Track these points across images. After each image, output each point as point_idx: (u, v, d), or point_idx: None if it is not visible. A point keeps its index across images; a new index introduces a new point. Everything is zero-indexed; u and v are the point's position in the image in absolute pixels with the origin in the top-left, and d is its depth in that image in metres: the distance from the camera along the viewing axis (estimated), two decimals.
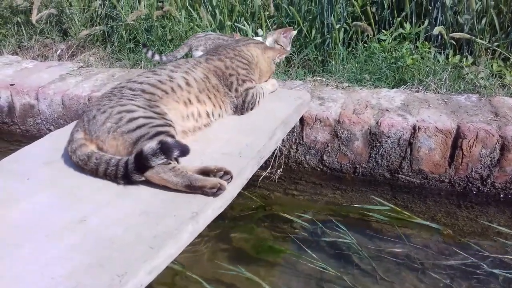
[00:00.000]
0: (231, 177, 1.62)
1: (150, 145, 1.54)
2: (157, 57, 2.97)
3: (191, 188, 1.54)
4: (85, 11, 3.98)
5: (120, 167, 1.58)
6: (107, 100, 1.79)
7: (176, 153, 1.56)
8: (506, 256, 1.98)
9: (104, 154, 1.66)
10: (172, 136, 1.66)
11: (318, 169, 2.52)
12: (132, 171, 1.56)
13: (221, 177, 1.59)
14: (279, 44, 2.84)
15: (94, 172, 1.65)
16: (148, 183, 1.60)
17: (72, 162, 1.74)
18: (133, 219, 1.46)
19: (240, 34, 3.16)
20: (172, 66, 2.05)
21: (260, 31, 3.43)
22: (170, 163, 1.56)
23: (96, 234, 1.40)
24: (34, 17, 3.75)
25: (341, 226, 2.13)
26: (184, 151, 1.59)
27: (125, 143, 1.65)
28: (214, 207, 1.57)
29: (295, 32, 3.04)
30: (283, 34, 2.86)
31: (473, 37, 3.02)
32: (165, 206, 1.52)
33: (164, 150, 1.53)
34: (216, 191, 1.53)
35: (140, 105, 1.75)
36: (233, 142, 1.95)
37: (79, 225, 1.44)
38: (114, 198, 1.57)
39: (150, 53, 2.97)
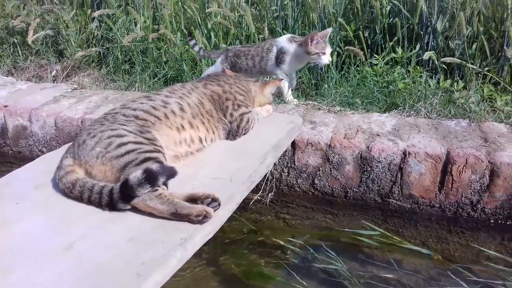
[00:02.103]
0: (219, 204, 1.62)
1: (135, 175, 1.54)
2: (196, 48, 3.15)
3: (177, 216, 1.54)
4: (82, 33, 4.03)
5: (104, 195, 1.58)
6: (98, 125, 1.81)
7: (162, 179, 1.57)
8: (497, 282, 1.97)
9: (87, 181, 1.66)
10: (160, 163, 1.66)
11: (310, 193, 2.53)
12: (118, 200, 1.56)
13: (208, 204, 1.59)
14: (313, 54, 2.74)
15: (79, 199, 1.66)
16: (136, 209, 1.60)
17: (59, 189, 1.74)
18: (122, 245, 1.46)
19: None
20: (167, 92, 2.07)
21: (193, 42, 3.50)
22: (157, 189, 1.57)
23: (85, 260, 1.40)
24: (30, 38, 3.79)
25: (331, 252, 2.12)
26: (171, 174, 1.60)
27: (113, 168, 1.65)
28: (203, 233, 1.57)
29: (328, 31, 2.88)
30: (312, 41, 2.71)
31: (464, 62, 3.07)
32: (154, 232, 1.52)
33: (150, 178, 1.53)
34: (202, 219, 1.53)
35: (131, 130, 1.76)
36: (224, 166, 1.96)
37: (68, 250, 1.44)
38: (103, 223, 1.57)
39: (193, 42, 3.17)
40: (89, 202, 1.63)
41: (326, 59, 2.77)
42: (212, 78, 2.31)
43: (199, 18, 3.73)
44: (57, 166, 1.81)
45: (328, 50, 2.78)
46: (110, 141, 1.69)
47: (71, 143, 1.90)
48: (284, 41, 2.86)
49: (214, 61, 3.13)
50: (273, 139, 2.21)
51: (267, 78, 3.09)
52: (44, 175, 1.87)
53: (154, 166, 1.59)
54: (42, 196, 1.75)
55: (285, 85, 2.91)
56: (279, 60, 2.86)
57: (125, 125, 1.79)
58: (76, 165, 1.72)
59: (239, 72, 2.97)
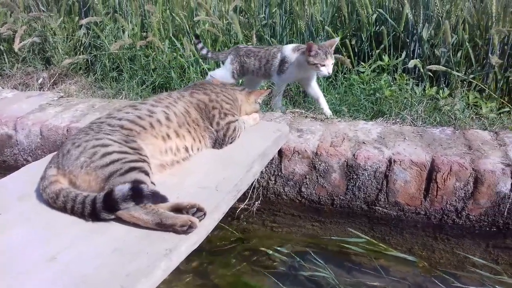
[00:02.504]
0: (204, 214, 1.62)
1: (122, 189, 1.53)
2: (204, 51, 3.15)
3: (162, 226, 1.53)
4: (69, 40, 4.01)
5: (87, 205, 1.58)
6: (83, 134, 1.80)
7: (146, 202, 1.56)
8: None
9: (71, 191, 1.65)
10: (146, 172, 1.66)
11: (297, 201, 2.53)
12: (101, 210, 1.55)
13: (193, 214, 1.59)
14: (312, 64, 2.69)
15: (63, 210, 1.64)
16: (120, 219, 1.59)
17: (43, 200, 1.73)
18: (106, 256, 1.45)
19: None
20: (153, 101, 2.07)
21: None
22: None
23: (69, 272, 1.38)
24: (16, 45, 3.76)
25: (319, 260, 2.13)
26: (157, 201, 1.60)
27: (97, 178, 1.65)
28: (189, 243, 1.56)
29: (336, 40, 2.86)
30: (310, 52, 2.67)
31: (449, 70, 3.11)
32: (139, 243, 1.51)
33: (135, 197, 1.53)
34: (186, 229, 1.52)
35: (116, 140, 1.75)
36: (210, 175, 1.96)
37: (52, 262, 1.42)
38: (87, 234, 1.56)
39: (200, 45, 3.15)
40: (72, 212, 1.62)
41: (325, 70, 2.71)
42: (198, 86, 2.31)
43: (187, 26, 3.73)
44: (41, 177, 1.79)
45: (329, 61, 2.70)
46: (94, 150, 1.69)
47: (55, 153, 1.89)
48: (289, 50, 2.85)
49: (222, 62, 3.11)
50: (259, 147, 2.21)
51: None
52: (29, 185, 1.85)
53: (144, 187, 1.57)
54: (26, 207, 1.73)
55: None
56: (280, 69, 2.86)
57: (110, 134, 1.78)
58: (60, 175, 1.71)
59: (246, 74, 3.02)
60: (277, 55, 2.88)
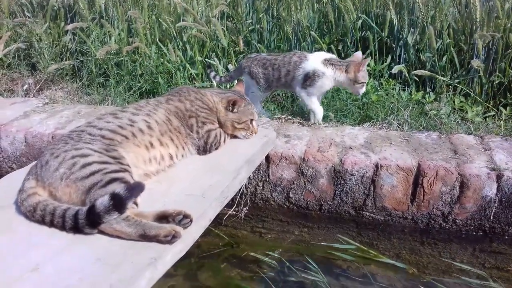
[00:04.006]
0: (191, 221, 1.60)
1: (102, 201, 1.50)
2: (217, 78, 3.05)
3: (145, 238, 1.51)
4: (55, 46, 3.97)
5: (68, 219, 1.54)
6: (62, 144, 1.75)
7: (130, 203, 1.54)
8: None
9: (48, 204, 1.61)
10: (127, 183, 1.62)
11: (285, 207, 2.53)
12: (84, 226, 1.52)
13: (180, 221, 1.57)
14: (358, 83, 2.63)
15: (41, 223, 1.60)
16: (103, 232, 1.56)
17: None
18: (88, 267, 1.42)
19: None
20: (133, 109, 2.03)
21: (230, 66, 3.48)
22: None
23: (50, 284, 1.36)
24: (1, 51, 3.72)
25: (312, 263, 2.14)
26: (138, 192, 1.57)
27: (78, 190, 1.61)
28: (174, 251, 1.54)
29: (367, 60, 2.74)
30: (362, 70, 2.60)
31: (435, 74, 3.13)
32: (123, 252, 1.49)
33: (117, 205, 1.50)
34: (170, 239, 1.50)
35: (96, 149, 1.71)
36: (196, 182, 1.94)
37: (32, 274, 1.39)
38: (70, 243, 1.52)
39: (212, 74, 3.05)
40: (52, 225, 1.58)
41: (364, 89, 2.71)
42: (174, 93, 2.25)
43: (174, 31, 3.72)
44: (19, 189, 1.75)
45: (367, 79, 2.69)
46: (74, 161, 1.65)
47: (34, 163, 1.85)
48: (318, 63, 2.66)
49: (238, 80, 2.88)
50: (246, 153, 2.20)
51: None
52: (10, 194, 1.81)
53: (121, 189, 1.54)
54: (7, 217, 1.69)
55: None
56: (308, 82, 2.67)
57: (90, 143, 1.75)
58: (40, 187, 1.67)
59: (266, 83, 2.83)
60: (300, 66, 2.69)
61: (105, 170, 1.62)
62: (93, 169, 1.62)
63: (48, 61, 3.88)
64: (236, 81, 2.97)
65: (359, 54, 2.72)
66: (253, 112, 2.30)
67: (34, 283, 1.36)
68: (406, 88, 3.24)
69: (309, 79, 2.67)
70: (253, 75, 2.83)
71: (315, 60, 2.69)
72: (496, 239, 2.29)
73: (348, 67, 2.64)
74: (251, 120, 2.30)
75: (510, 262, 2.22)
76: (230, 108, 2.25)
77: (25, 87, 3.68)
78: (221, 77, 3.08)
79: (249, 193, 2.54)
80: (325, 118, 2.90)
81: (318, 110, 2.78)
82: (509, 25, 3.10)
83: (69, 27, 3.69)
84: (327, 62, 2.67)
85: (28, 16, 4.18)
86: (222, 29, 3.52)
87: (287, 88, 2.89)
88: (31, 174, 1.74)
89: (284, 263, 2.19)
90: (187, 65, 3.52)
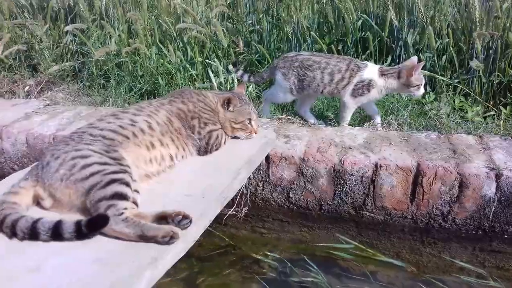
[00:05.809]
0: (190, 221, 1.61)
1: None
2: (245, 77, 2.90)
3: (144, 238, 1.51)
4: (56, 47, 3.99)
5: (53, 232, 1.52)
6: (63, 145, 1.76)
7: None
8: None
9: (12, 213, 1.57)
10: (127, 183, 1.63)
11: (285, 207, 2.53)
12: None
13: (179, 222, 1.58)
14: (412, 86, 2.60)
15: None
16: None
17: None
18: (88, 267, 1.42)
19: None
20: (135, 110, 2.05)
21: (231, 67, 3.48)
22: (122, 213, 1.54)
23: (50, 284, 1.36)
24: (1, 52, 3.73)
25: (313, 265, 2.14)
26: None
27: (77, 192, 1.62)
28: (175, 251, 1.54)
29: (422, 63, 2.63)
30: (416, 72, 2.56)
31: (434, 74, 3.14)
32: (124, 251, 1.49)
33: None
34: (168, 240, 1.51)
35: (96, 150, 1.72)
36: (196, 183, 1.95)
37: (30, 274, 1.40)
38: (69, 243, 1.51)
39: (240, 72, 2.91)
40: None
41: (422, 90, 2.66)
42: (176, 94, 2.27)
43: (174, 32, 3.73)
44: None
45: (424, 81, 2.65)
46: (74, 162, 1.65)
47: (34, 164, 1.86)
48: (375, 74, 2.63)
49: (274, 80, 2.81)
50: (246, 154, 2.21)
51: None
52: None
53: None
54: None
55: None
56: (359, 91, 2.64)
57: (90, 144, 1.75)
58: (40, 188, 1.67)
59: (306, 88, 2.71)
60: (356, 75, 2.63)
61: (105, 171, 1.63)
62: (93, 170, 1.63)
63: (49, 63, 3.89)
64: (236, 82, 2.96)
65: (414, 58, 2.64)
66: (250, 112, 2.31)
67: (33, 283, 1.36)
68: None
69: (361, 88, 2.64)
70: (289, 75, 2.71)
71: (373, 70, 2.66)
72: (495, 238, 2.29)
73: (400, 72, 2.61)
74: (249, 120, 2.30)
75: (509, 261, 2.23)
76: (225, 106, 2.27)
77: (26, 89, 3.69)
78: (249, 76, 2.92)
79: (249, 193, 2.54)
80: (325, 118, 2.91)
81: (349, 118, 2.77)
82: (508, 24, 3.10)
83: (69, 27, 3.70)
84: (381, 73, 2.65)
85: (29, 18, 4.19)
86: (222, 30, 3.53)
87: (329, 94, 2.77)
88: (30, 175, 1.74)
89: (285, 263, 2.20)
90: (187, 66, 3.53)
